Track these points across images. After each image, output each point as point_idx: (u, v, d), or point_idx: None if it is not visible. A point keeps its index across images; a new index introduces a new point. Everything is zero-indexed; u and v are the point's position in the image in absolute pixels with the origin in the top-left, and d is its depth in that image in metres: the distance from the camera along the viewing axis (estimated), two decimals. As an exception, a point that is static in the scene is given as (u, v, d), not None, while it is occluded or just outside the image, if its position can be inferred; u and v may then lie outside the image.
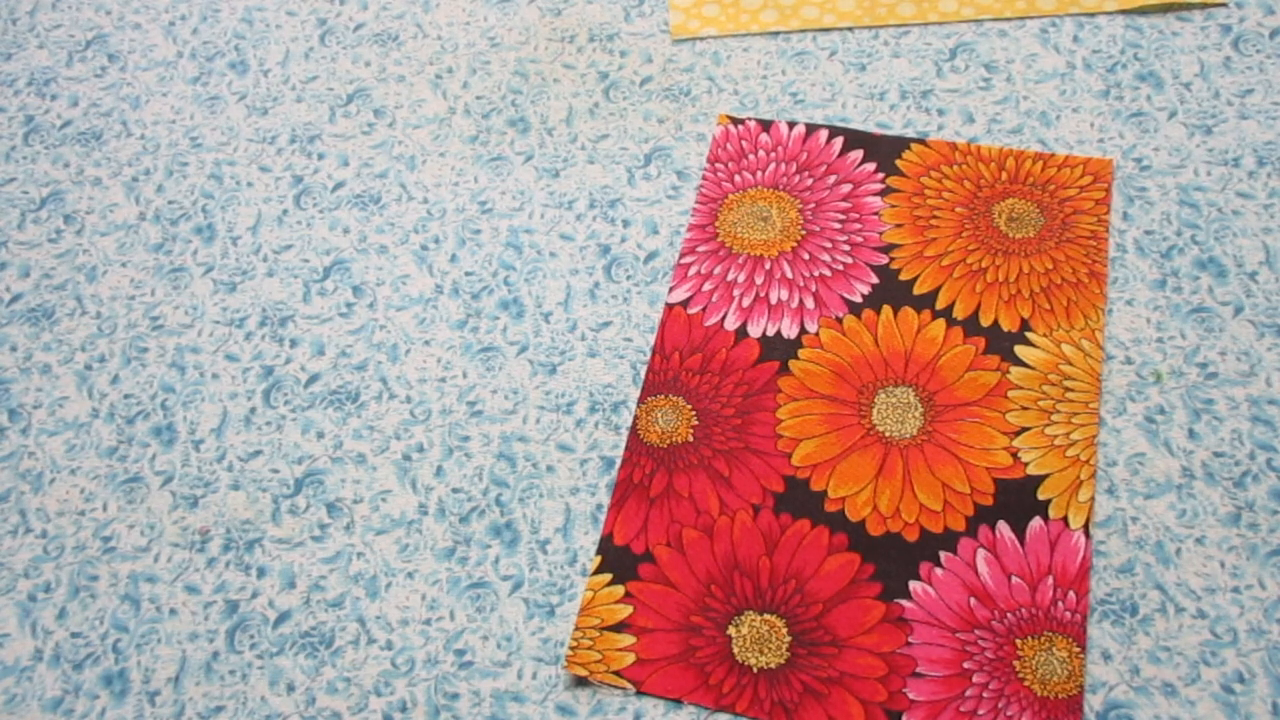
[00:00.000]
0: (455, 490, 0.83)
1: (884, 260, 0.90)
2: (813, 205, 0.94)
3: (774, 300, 0.89)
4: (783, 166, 0.96)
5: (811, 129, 0.98)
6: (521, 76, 1.05)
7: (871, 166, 0.95)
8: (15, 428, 0.90)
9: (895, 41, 1.03)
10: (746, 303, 0.89)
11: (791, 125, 0.98)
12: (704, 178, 0.96)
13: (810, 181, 0.95)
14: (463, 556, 0.81)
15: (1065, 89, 0.98)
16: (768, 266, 0.91)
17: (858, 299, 0.88)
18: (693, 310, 0.89)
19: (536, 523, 0.81)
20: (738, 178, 0.96)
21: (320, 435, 0.87)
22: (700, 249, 0.92)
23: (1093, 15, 1.02)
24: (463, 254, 0.95)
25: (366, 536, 0.82)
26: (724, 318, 0.88)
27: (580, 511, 0.82)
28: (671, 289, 0.90)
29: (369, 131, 1.03)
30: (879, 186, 0.94)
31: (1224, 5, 1.01)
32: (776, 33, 1.05)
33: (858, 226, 0.92)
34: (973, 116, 0.97)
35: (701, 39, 1.05)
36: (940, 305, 0.87)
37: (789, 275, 0.90)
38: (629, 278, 0.92)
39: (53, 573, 0.83)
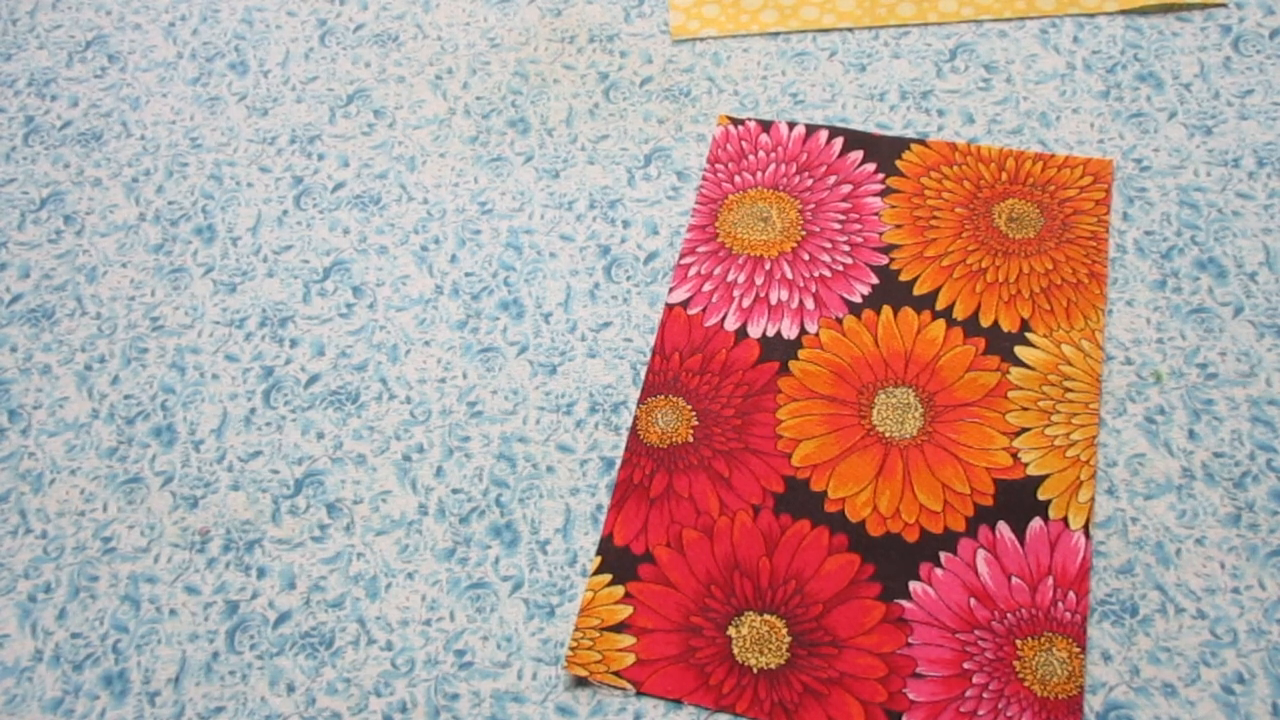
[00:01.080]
0: (455, 491, 0.83)
1: (884, 261, 0.90)
2: (813, 206, 0.94)
3: (774, 301, 0.89)
4: (783, 167, 0.96)
5: (811, 129, 0.98)
6: (521, 77, 1.05)
7: (871, 167, 0.95)
8: (15, 428, 0.90)
9: (895, 42, 1.03)
10: (746, 303, 0.89)
11: (791, 126, 0.98)
12: (704, 178, 0.96)
13: (810, 182, 0.95)
14: (463, 557, 0.81)
15: (1065, 89, 0.98)
16: (768, 267, 0.91)
17: (858, 299, 0.88)
18: (693, 311, 0.89)
19: (536, 523, 0.81)
20: (738, 178, 0.96)
21: (320, 436, 0.87)
22: (700, 249, 0.92)
23: (1093, 15, 1.02)
24: (463, 254, 0.95)
25: (366, 537, 0.82)
26: (724, 318, 0.88)
27: (580, 512, 0.82)
28: (671, 289, 0.90)
29: (369, 132, 1.03)
30: (879, 187, 0.94)
31: (1224, 5, 1.01)
32: (776, 33, 1.05)
33: (858, 227, 0.92)
34: (973, 117, 0.97)
35: (701, 39, 1.05)
36: (940, 306, 0.87)
37: (789, 276, 0.90)
38: (629, 278, 0.92)
39: (53, 573, 0.83)
